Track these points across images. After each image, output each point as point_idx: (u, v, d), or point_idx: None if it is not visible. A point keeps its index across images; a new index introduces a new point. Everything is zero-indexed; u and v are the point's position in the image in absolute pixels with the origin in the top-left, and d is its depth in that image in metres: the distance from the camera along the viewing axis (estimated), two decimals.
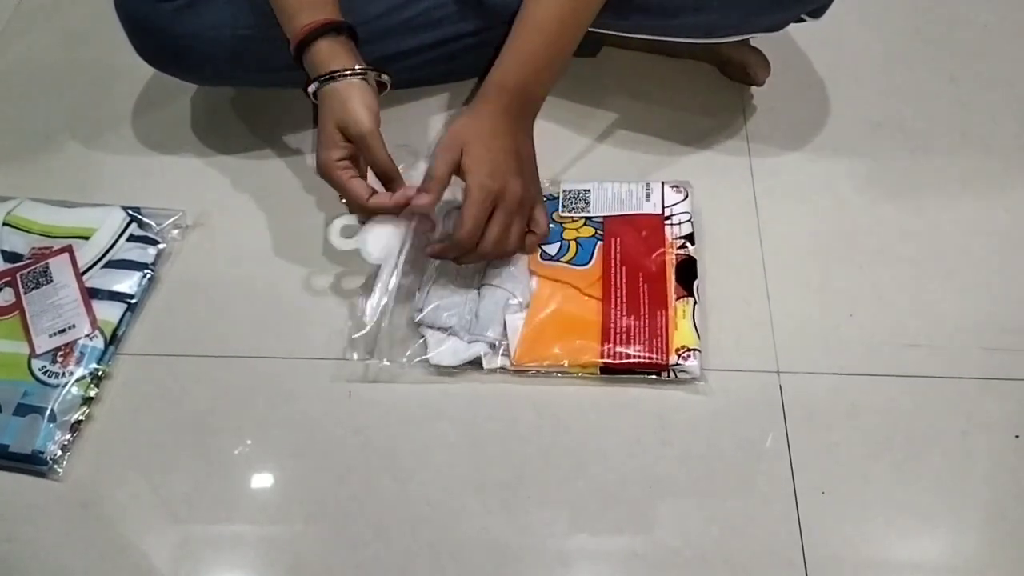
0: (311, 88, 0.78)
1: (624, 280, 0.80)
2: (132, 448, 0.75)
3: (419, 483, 0.73)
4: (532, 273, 0.81)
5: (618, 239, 0.83)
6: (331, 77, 0.76)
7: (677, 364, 0.76)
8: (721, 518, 0.70)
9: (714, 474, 0.73)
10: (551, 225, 0.83)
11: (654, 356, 0.76)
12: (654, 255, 0.82)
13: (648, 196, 0.86)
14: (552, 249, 0.83)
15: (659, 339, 0.77)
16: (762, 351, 0.79)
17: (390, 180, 0.78)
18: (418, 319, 0.79)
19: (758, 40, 0.97)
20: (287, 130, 0.98)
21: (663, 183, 0.87)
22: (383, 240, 0.78)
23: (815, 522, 0.70)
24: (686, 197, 0.86)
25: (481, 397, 0.77)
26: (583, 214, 0.85)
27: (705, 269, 0.84)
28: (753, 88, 1.00)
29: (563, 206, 0.86)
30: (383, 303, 0.77)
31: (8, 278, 0.83)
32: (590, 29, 0.88)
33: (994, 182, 0.92)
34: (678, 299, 0.79)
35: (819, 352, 0.79)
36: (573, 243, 0.83)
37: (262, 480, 0.74)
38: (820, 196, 0.91)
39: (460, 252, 0.77)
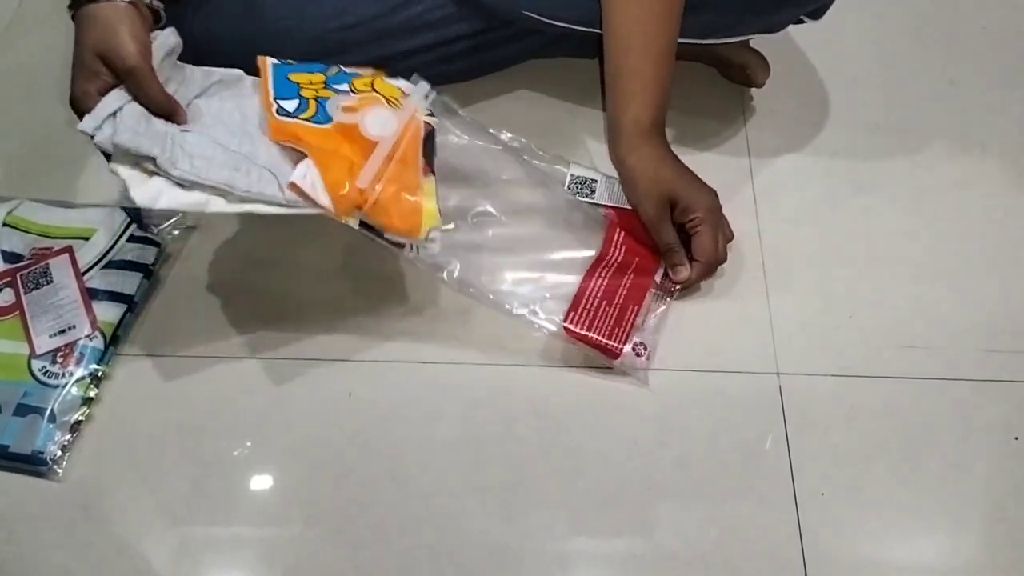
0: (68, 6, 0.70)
1: (616, 264, 0.81)
2: (132, 449, 0.75)
3: (418, 485, 0.73)
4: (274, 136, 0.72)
5: (623, 231, 0.84)
6: None
7: (627, 355, 0.77)
8: (720, 520, 0.70)
9: (713, 476, 0.73)
10: (287, 82, 0.76)
11: (611, 343, 0.77)
12: (649, 257, 0.82)
13: None
14: (290, 106, 0.74)
15: (621, 329, 0.78)
16: (761, 352, 0.79)
17: (171, 115, 0.70)
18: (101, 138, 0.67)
19: (758, 42, 0.97)
20: None
21: None
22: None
23: (815, 524, 0.70)
24: None
25: (480, 399, 0.77)
26: (588, 200, 0.86)
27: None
28: (753, 90, 1.00)
29: (568, 188, 0.87)
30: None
31: (8, 278, 0.83)
32: (591, 31, 0.88)
33: (993, 184, 0.92)
34: (424, 176, 0.74)
35: (818, 354, 0.79)
36: (313, 102, 0.74)
37: (261, 481, 0.74)
38: (819, 197, 0.91)
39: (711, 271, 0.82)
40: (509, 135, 0.89)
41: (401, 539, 0.70)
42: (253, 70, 0.90)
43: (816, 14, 0.87)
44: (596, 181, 0.88)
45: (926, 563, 0.69)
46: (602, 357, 0.77)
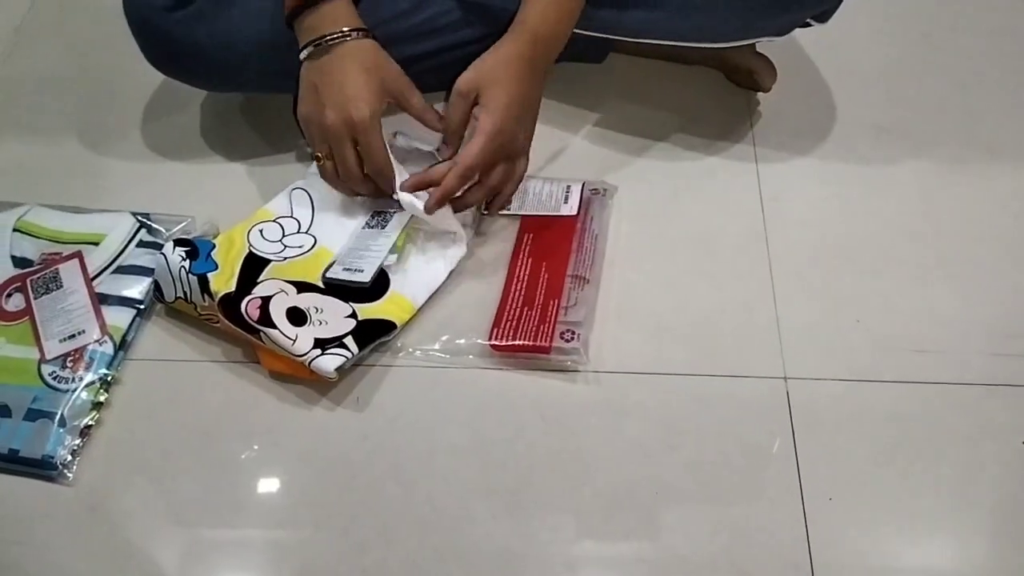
0: (328, 42, 0.78)
1: (527, 272, 0.84)
2: (141, 453, 0.76)
3: (425, 488, 0.73)
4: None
5: (531, 235, 0.87)
6: (364, 33, 0.79)
7: (557, 346, 0.78)
8: (728, 524, 0.70)
9: (721, 480, 0.73)
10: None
11: (539, 343, 0.78)
12: (560, 252, 0.85)
13: (567, 199, 0.90)
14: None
15: (546, 325, 0.79)
16: (769, 356, 0.79)
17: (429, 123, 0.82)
18: None
19: (764, 46, 0.97)
20: (296, 136, 0.98)
21: (584, 184, 0.90)
22: None
23: (822, 528, 0.70)
24: (603, 195, 0.90)
25: (487, 403, 0.77)
26: (504, 213, 0.89)
27: (712, 274, 0.84)
28: (760, 94, 1.00)
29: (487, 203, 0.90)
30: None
31: (18, 284, 0.83)
32: (596, 35, 0.88)
33: (1001, 187, 0.91)
34: None
35: (826, 358, 0.79)
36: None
37: (269, 485, 0.74)
38: (826, 201, 0.91)
39: (459, 183, 0.77)
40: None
41: (408, 542, 0.70)
42: (263, 77, 0.91)
43: (822, 17, 0.87)
44: None
45: (935, 567, 0.68)
46: (535, 357, 0.79)
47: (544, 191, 0.90)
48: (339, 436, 0.76)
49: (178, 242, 0.80)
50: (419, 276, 0.83)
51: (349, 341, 0.76)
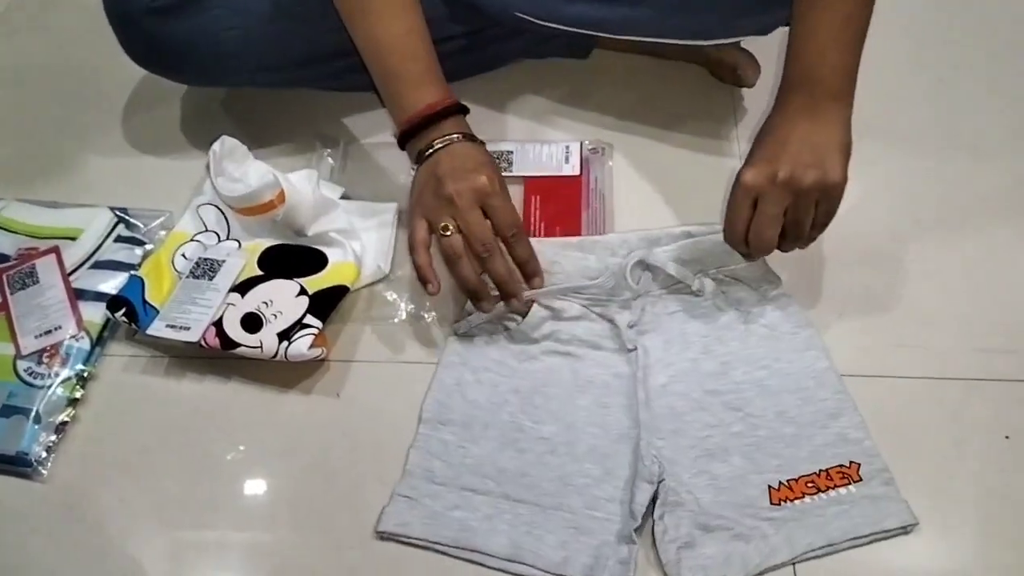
0: (440, 144, 0.75)
1: (542, 234, 0.86)
2: (118, 450, 0.75)
3: None
4: None
5: (537, 197, 0.89)
6: (469, 137, 0.76)
7: None
8: None
9: None
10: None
11: None
12: (571, 213, 0.87)
13: (567, 158, 0.92)
14: None
15: None
16: None
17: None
18: None
19: (748, 41, 0.97)
20: (276, 131, 0.98)
21: (582, 144, 0.93)
22: None
23: None
24: (602, 154, 0.93)
25: None
26: (506, 174, 0.88)
27: None
28: (744, 89, 1.00)
29: None
30: None
31: None
32: (582, 31, 0.88)
33: (983, 183, 0.92)
34: None
35: None
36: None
37: (248, 482, 0.74)
38: None
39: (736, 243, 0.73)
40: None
41: (387, 541, 0.69)
42: (243, 72, 0.90)
43: None
44: (512, 152, 0.93)
45: (916, 563, 0.68)
46: None
47: (543, 152, 0.92)
48: (319, 433, 0.75)
49: (110, 306, 0.79)
50: (358, 243, 0.84)
51: (309, 319, 0.76)
